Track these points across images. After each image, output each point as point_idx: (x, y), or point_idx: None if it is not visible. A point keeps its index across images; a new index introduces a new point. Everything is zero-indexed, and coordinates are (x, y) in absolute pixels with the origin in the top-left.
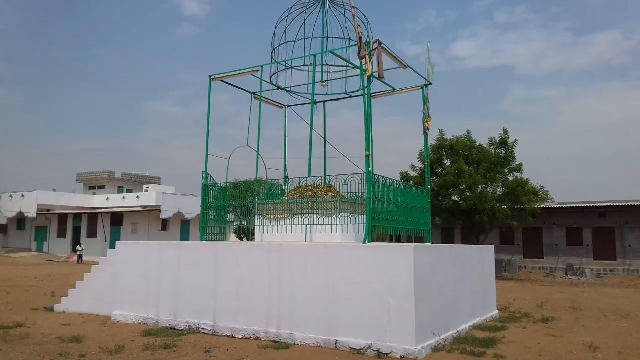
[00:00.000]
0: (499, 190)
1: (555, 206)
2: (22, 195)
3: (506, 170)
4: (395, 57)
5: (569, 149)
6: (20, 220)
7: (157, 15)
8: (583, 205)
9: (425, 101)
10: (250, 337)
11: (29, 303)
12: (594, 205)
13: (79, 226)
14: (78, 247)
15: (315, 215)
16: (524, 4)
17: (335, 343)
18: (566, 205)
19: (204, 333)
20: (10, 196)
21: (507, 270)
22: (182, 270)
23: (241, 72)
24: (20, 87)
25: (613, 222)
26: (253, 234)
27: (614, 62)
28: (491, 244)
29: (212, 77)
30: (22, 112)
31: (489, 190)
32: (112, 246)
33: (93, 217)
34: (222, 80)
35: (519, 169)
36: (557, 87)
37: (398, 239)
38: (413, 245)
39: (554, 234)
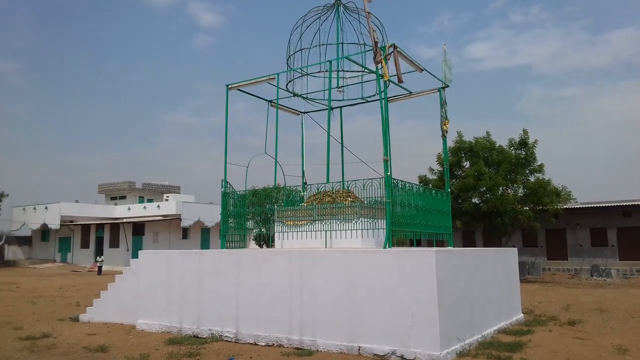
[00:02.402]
0: (520, 191)
1: (578, 206)
2: (46, 207)
3: (527, 171)
4: (411, 61)
5: (590, 148)
6: (44, 232)
7: (174, 27)
8: (607, 204)
9: (443, 104)
10: (273, 344)
11: (54, 313)
12: (618, 204)
13: (101, 236)
14: (97, 257)
15: (334, 221)
16: (539, 4)
17: (359, 349)
18: (589, 205)
19: (227, 341)
20: (34, 208)
21: (530, 273)
22: (204, 278)
23: (257, 80)
24: (40, 101)
25: (638, 222)
26: (273, 241)
27: (634, 59)
28: (513, 246)
29: (229, 86)
30: (42, 125)
31: (509, 191)
32: (135, 255)
33: (115, 227)
34: (238, 89)
35: (540, 169)
36: (576, 86)
37: (418, 243)
38: (434, 249)
39: (578, 234)
